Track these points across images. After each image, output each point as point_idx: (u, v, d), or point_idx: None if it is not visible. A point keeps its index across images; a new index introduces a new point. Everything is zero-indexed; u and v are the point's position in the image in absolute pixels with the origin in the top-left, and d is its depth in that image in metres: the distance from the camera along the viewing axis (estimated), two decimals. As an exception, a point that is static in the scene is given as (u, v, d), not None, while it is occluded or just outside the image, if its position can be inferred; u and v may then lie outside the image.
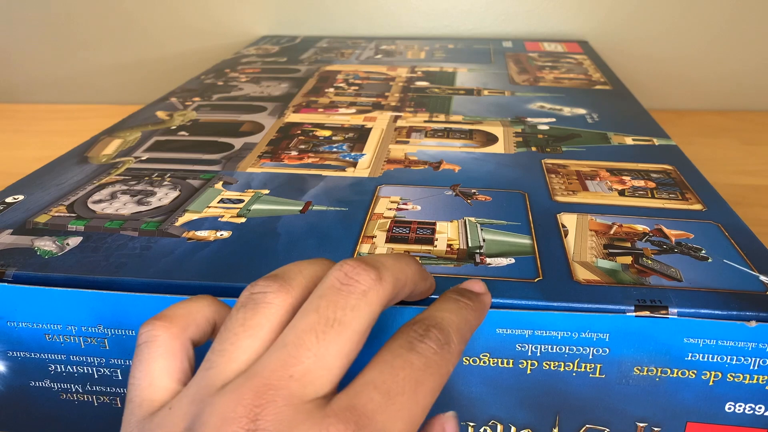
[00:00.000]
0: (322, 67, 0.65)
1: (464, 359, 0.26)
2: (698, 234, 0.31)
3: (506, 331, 0.26)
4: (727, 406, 0.26)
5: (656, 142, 0.44)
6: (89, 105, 0.84)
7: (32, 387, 0.30)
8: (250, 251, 0.30)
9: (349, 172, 0.39)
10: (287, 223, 0.32)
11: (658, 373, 0.26)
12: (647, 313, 0.25)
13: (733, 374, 0.26)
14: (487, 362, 0.26)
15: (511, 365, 0.26)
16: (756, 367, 0.26)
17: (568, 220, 0.33)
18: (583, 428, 0.28)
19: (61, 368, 0.29)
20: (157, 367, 0.21)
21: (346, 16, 0.82)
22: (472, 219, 0.33)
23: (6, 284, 0.27)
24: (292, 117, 0.50)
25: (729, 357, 0.25)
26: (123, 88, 0.87)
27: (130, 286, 0.28)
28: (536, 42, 0.78)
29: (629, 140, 0.45)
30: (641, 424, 0.27)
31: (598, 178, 0.38)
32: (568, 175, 0.39)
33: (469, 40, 0.79)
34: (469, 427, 0.28)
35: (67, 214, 0.33)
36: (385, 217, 0.33)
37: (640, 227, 0.32)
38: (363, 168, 0.39)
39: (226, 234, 0.31)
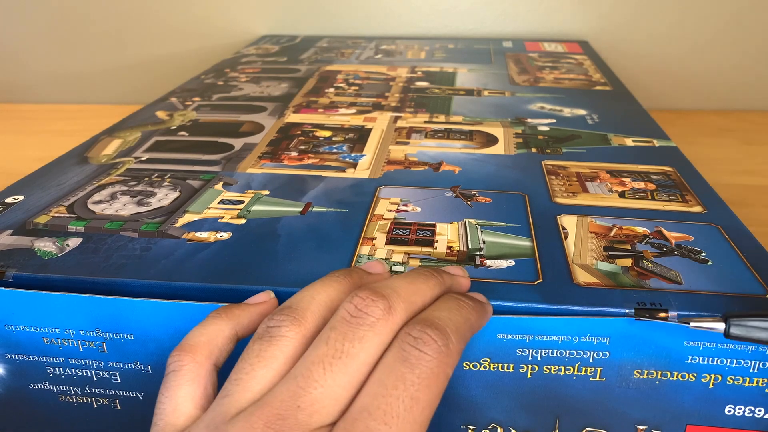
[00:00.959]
0: (322, 67, 0.65)
1: (464, 364, 0.26)
2: (698, 236, 0.31)
3: (507, 336, 0.26)
4: (726, 409, 0.26)
5: (656, 143, 0.44)
6: (89, 105, 0.84)
7: (31, 389, 0.29)
8: (250, 253, 0.30)
9: (349, 173, 0.39)
10: (287, 224, 0.32)
11: (658, 376, 0.26)
12: (647, 316, 0.25)
13: (733, 377, 0.26)
14: (488, 367, 0.26)
15: (511, 370, 0.26)
16: (756, 370, 0.26)
17: (568, 222, 0.33)
18: (583, 431, 0.28)
19: (59, 371, 0.29)
20: (182, 394, 0.22)
21: (346, 15, 0.82)
22: (473, 221, 0.33)
23: (3, 288, 0.27)
24: (292, 117, 0.50)
25: (729, 360, 0.25)
26: (123, 88, 0.86)
27: (130, 288, 0.28)
28: (536, 42, 0.78)
29: (629, 141, 0.44)
30: (641, 427, 0.27)
31: (599, 180, 0.38)
32: (568, 176, 0.39)
33: (469, 40, 0.79)
34: (469, 430, 0.28)
35: (67, 215, 0.33)
36: (385, 219, 0.33)
37: (640, 229, 0.32)
38: (363, 169, 0.39)
39: (226, 235, 0.31)
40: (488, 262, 0.29)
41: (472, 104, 0.53)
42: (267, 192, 0.36)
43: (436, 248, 0.30)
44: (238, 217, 0.33)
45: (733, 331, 0.23)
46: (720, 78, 0.78)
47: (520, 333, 0.26)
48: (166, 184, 0.37)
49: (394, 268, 0.28)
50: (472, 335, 0.23)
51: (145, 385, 0.29)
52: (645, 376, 0.26)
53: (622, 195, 0.36)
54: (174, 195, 0.36)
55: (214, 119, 0.49)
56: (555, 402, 0.27)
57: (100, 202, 0.35)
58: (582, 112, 0.51)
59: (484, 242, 0.31)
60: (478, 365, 0.26)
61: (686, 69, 0.78)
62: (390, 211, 0.34)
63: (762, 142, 0.65)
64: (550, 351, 0.26)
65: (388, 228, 0.32)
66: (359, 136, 0.45)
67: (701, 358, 0.26)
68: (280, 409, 0.20)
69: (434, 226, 0.32)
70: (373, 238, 0.31)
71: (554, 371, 0.26)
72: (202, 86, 0.59)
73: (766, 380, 0.26)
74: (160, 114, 0.50)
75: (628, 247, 0.30)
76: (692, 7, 0.76)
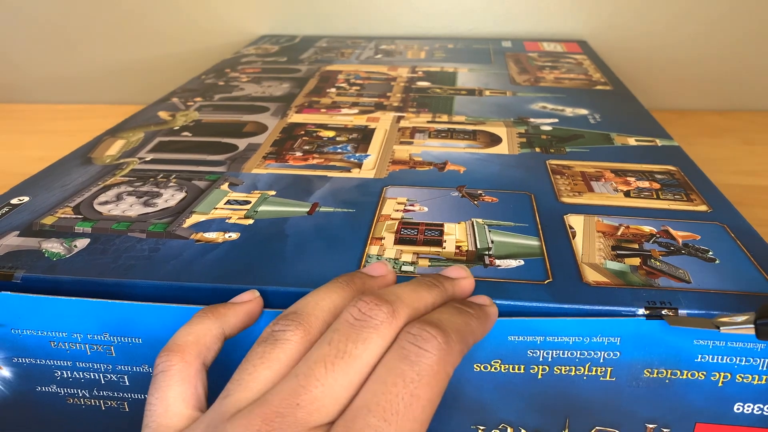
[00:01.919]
0: (323, 67, 0.65)
1: (475, 366, 0.26)
2: (704, 235, 0.32)
3: (518, 338, 0.26)
4: (735, 407, 0.27)
5: (659, 142, 0.44)
6: (89, 105, 0.83)
7: (38, 392, 0.29)
8: (259, 253, 0.30)
9: (355, 173, 0.39)
10: (295, 224, 0.32)
11: (668, 375, 0.26)
12: (659, 315, 0.25)
13: (743, 375, 0.26)
14: (499, 368, 0.26)
15: (522, 371, 0.26)
16: (765, 368, 0.26)
17: (575, 221, 0.33)
18: (593, 430, 0.28)
19: (67, 374, 0.29)
20: (172, 394, 0.22)
21: (345, 15, 0.82)
22: (480, 220, 0.33)
23: (10, 293, 0.27)
24: (294, 117, 0.49)
25: (738, 358, 0.26)
26: (123, 88, 0.86)
27: (139, 289, 0.27)
28: (535, 42, 0.78)
29: (632, 141, 0.45)
30: (651, 426, 0.27)
31: (603, 179, 0.38)
32: (573, 176, 0.39)
33: (468, 40, 0.79)
34: (479, 430, 0.28)
35: (74, 216, 0.33)
36: (392, 219, 0.33)
37: (647, 228, 0.32)
38: (368, 169, 0.39)
39: (234, 236, 0.31)
40: (497, 262, 0.29)
41: (474, 104, 0.53)
42: (273, 192, 0.36)
43: (444, 248, 0.30)
44: (246, 217, 0.33)
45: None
46: (720, 78, 0.78)
47: (531, 334, 0.26)
48: (171, 184, 0.37)
49: (404, 268, 0.28)
50: (474, 341, 0.23)
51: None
52: (655, 375, 0.26)
53: (627, 194, 0.36)
54: (180, 195, 0.36)
55: (217, 119, 0.49)
56: (565, 402, 0.27)
57: (106, 202, 0.35)
58: (584, 111, 0.51)
59: (492, 242, 0.31)
60: (489, 367, 0.26)
61: (686, 69, 0.78)
62: (397, 211, 0.34)
63: (762, 142, 0.65)
64: (561, 352, 0.26)
65: (396, 228, 0.32)
66: (363, 136, 0.45)
67: (711, 356, 0.26)
68: (279, 407, 0.20)
69: (442, 225, 0.32)
70: (381, 238, 0.31)
71: (565, 372, 0.26)
72: (203, 86, 0.58)
73: (774, 378, 0.26)
74: (163, 114, 0.50)
75: (636, 246, 0.30)
76: (692, 7, 0.76)
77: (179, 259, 0.29)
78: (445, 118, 0.49)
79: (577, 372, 0.26)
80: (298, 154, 0.42)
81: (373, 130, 0.47)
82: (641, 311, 0.26)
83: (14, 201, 0.35)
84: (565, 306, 0.26)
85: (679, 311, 0.26)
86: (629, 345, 0.26)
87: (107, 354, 0.28)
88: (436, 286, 0.24)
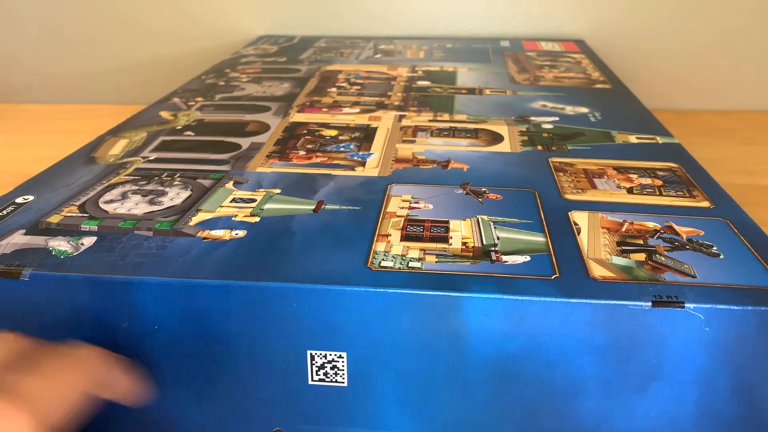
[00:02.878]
0: (323, 67, 0.65)
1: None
2: (708, 231, 0.32)
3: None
4: None
5: (660, 140, 0.45)
6: (89, 105, 0.83)
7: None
8: (267, 250, 0.30)
9: (359, 171, 0.39)
10: (301, 222, 0.32)
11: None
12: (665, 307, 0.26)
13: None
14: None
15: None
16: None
17: (579, 217, 0.33)
18: None
19: None
20: None
21: (343, 15, 0.82)
22: (485, 217, 0.33)
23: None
24: (296, 116, 0.50)
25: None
26: (122, 88, 0.86)
27: (148, 285, 0.28)
28: (533, 41, 0.78)
29: (633, 138, 0.45)
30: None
31: (606, 176, 0.38)
32: (575, 173, 0.39)
33: (466, 40, 0.79)
34: None
35: (80, 214, 0.33)
36: (398, 216, 0.33)
37: (651, 224, 0.32)
38: (372, 167, 0.40)
39: (241, 233, 0.31)
40: (504, 258, 0.29)
41: (475, 103, 0.53)
42: (278, 190, 0.36)
43: (451, 244, 0.30)
44: (252, 215, 0.33)
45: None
46: (720, 78, 0.78)
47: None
48: (176, 183, 0.37)
49: (411, 264, 0.29)
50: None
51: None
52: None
53: (630, 191, 0.36)
54: (186, 194, 0.36)
55: (219, 119, 0.49)
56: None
57: (111, 201, 0.35)
58: (584, 110, 0.51)
59: (498, 238, 0.31)
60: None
61: (685, 68, 0.79)
62: (402, 208, 0.34)
63: (762, 142, 0.66)
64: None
65: (402, 225, 0.32)
66: (365, 135, 0.45)
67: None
68: None
69: (447, 222, 0.32)
70: (387, 235, 0.31)
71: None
72: (203, 86, 0.58)
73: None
74: (164, 114, 0.50)
75: (641, 241, 0.31)
76: (691, 6, 0.76)
77: (187, 257, 0.29)
78: (446, 116, 0.50)
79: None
80: (302, 152, 0.42)
81: (375, 128, 0.47)
82: (648, 305, 0.26)
83: (19, 200, 0.35)
84: (574, 300, 0.26)
85: (686, 305, 0.26)
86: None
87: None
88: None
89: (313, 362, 0.28)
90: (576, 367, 0.27)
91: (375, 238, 0.31)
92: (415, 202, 0.35)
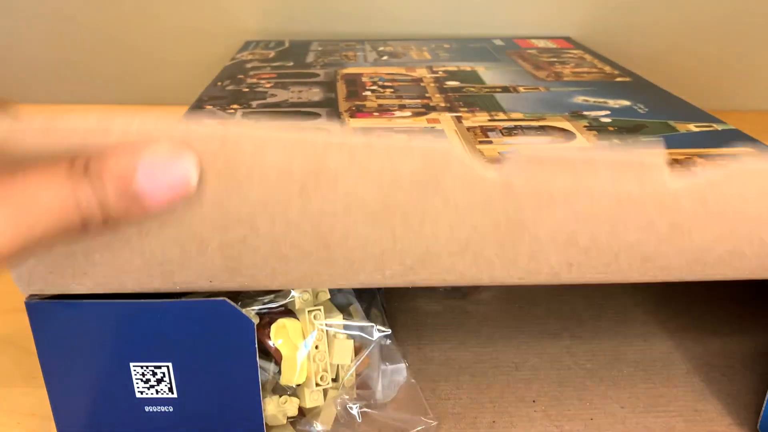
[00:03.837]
0: (340, 71, 0.64)
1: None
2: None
3: None
4: None
5: (717, 127, 0.46)
6: (89, 105, 0.80)
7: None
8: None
9: (463, 174, 0.38)
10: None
11: None
12: None
13: None
14: None
15: None
16: None
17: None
18: None
19: None
20: None
21: (333, 18, 0.81)
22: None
23: None
24: (354, 122, 0.48)
25: None
26: (121, 88, 0.82)
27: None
28: (525, 39, 0.80)
29: (693, 127, 0.46)
30: None
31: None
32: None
33: (461, 40, 0.79)
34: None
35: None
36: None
37: None
38: (473, 169, 0.39)
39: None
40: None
41: (518, 100, 0.53)
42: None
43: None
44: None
45: None
46: (720, 78, 0.81)
47: None
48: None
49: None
50: None
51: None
52: None
53: (733, 178, 0.37)
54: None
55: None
56: None
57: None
58: (626, 102, 0.53)
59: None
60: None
61: (685, 68, 0.81)
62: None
63: (762, 142, 0.69)
64: None
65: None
66: (438, 138, 0.44)
67: None
68: None
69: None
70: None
71: None
72: (227, 94, 0.56)
73: None
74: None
75: None
76: (676, 4, 0.79)
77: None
78: (501, 116, 0.50)
79: None
80: (389, 158, 0.41)
81: (442, 131, 0.46)
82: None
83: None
84: None
85: None
86: None
87: None
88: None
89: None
90: None
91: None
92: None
